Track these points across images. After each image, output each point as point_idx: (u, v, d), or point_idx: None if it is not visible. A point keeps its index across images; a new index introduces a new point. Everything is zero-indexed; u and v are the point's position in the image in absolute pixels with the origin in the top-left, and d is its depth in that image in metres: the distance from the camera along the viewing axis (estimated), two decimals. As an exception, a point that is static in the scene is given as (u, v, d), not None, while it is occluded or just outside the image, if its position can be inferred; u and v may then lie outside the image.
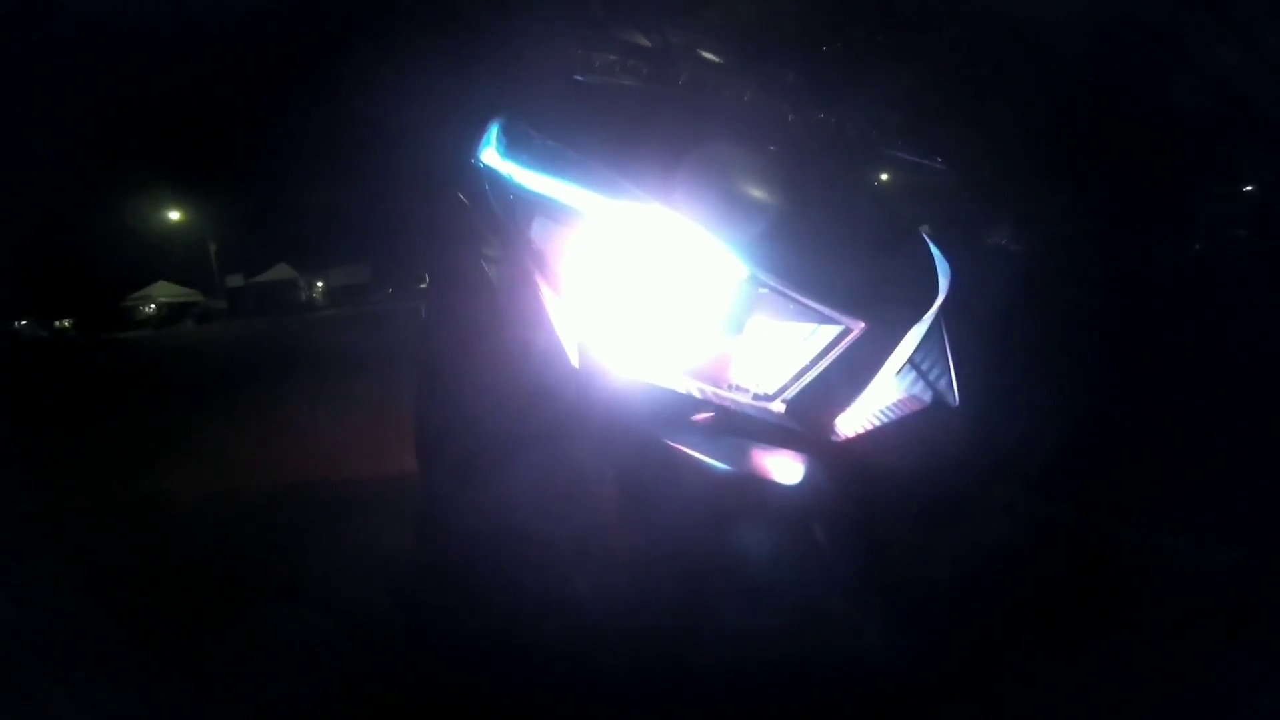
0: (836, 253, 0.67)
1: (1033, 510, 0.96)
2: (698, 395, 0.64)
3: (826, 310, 0.63)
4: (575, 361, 0.65)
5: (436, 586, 1.08)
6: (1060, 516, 0.99)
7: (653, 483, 0.69)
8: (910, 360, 0.78)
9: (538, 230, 0.70)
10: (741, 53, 1.15)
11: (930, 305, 0.70)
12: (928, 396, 0.76)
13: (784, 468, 0.69)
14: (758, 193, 0.70)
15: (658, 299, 0.67)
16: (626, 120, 0.77)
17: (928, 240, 0.82)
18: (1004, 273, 1.13)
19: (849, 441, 0.67)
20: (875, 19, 1.29)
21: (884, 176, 0.92)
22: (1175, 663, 0.93)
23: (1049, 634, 0.95)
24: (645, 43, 1.06)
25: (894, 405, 0.74)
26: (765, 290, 0.63)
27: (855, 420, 0.68)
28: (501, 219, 0.71)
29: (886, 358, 0.65)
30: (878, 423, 0.71)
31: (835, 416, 0.65)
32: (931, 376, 0.80)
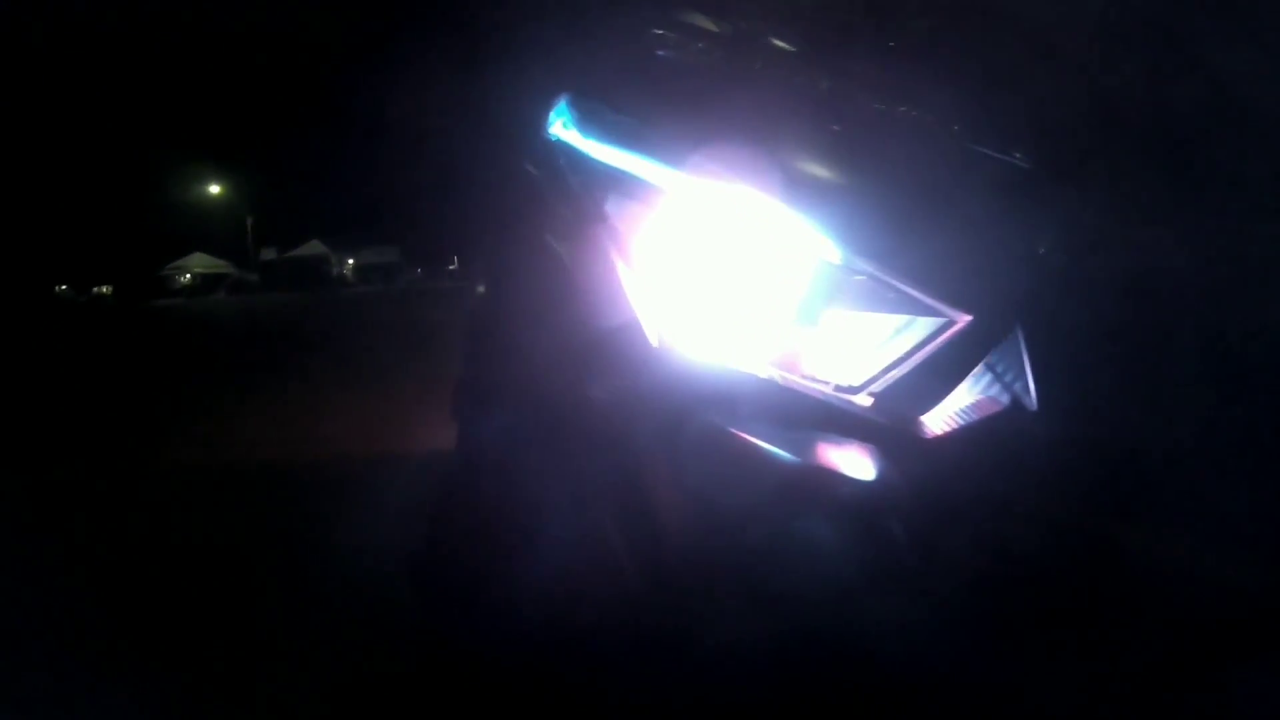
0: (941, 240, 0.63)
1: (1105, 527, 0.92)
2: (780, 382, 0.61)
3: (929, 300, 0.59)
4: (654, 340, 0.62)
5: (465, 569, 1.06)
6: (1133, 538, 0.94)
7: (718, 472, 0.66)
8: (989, 362, 0.74)
9: (614, 206, 0.67)
10: (814, 42, 1.12)
11: (1040, 301, 0.66)
12: (1005, 399, 0.72)
13: (857, 463, 0.66)
14: (850, 176, 0.66)
15: (741, 281, 0.64)
16: (707, 98, 0.74)
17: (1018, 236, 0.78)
18: (1092, 271, 1.09)
19: (932, 440, 0.64)
20: (952, 11, 1.25)
21: (964, 170, 0.88)
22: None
23: (1106, 647, 0.92)
24: (715, 28, 1.03)
25: (972, 406, 0.70)
26: (861, 276, 0.60)
27: (941, 418, 0.65)
28: (576, 193, 0.69)
29: (987, 353, 0.61)
30: (959, 423, 0.67)
31: (924, 413, 0.62)
32: (1007, 378, 0.76)
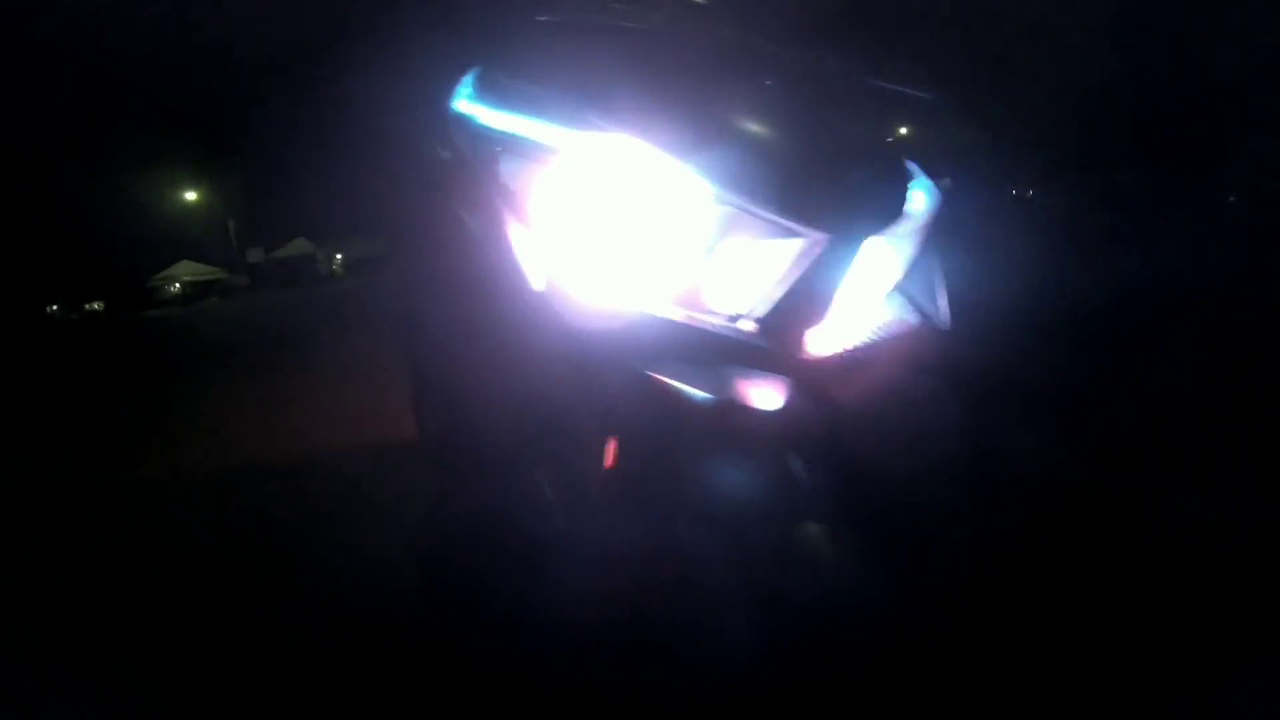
0: (799, 168, 0.67)
1: (1020, 439, 0.97)
2: (676, 320, 0.65)
3: (787, 223, 0.64)
4: (557, 295, 0.66)
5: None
6: (1049, 448, 0.99)
7: (633, 413, 0.71)
8: (900, 284, 0.79)
9: (507, 169, 0.71)
10: None
11: (898, 220, 0.70)
12: (915, 319, 0.76)
13: (764, 393, 0.71)
14: (723, 116, 0.70)
15: (626, 226, 0.68)
16: (592, 57, 0.78)
17: (907, 164, 0.82)
18: (1004, 204, 1.13)
19: (826, 360, 0.69)
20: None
21: (875, 112, 0.92)
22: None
23: (1037, 565, 0.97)
24: None
25: (880, 327, 0.75)
26: (729, 208, 0.64)
27: (833, 339, 0.70)
28: (479, 164, 0.72)
29: (848, 269, 0.65)
30: (861, 343, 0.72)
31: (806, 333, 0.66)
32: (920, 300, 0.81)
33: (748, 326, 0.67)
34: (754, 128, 0.69)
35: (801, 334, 0.67)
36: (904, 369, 0.80)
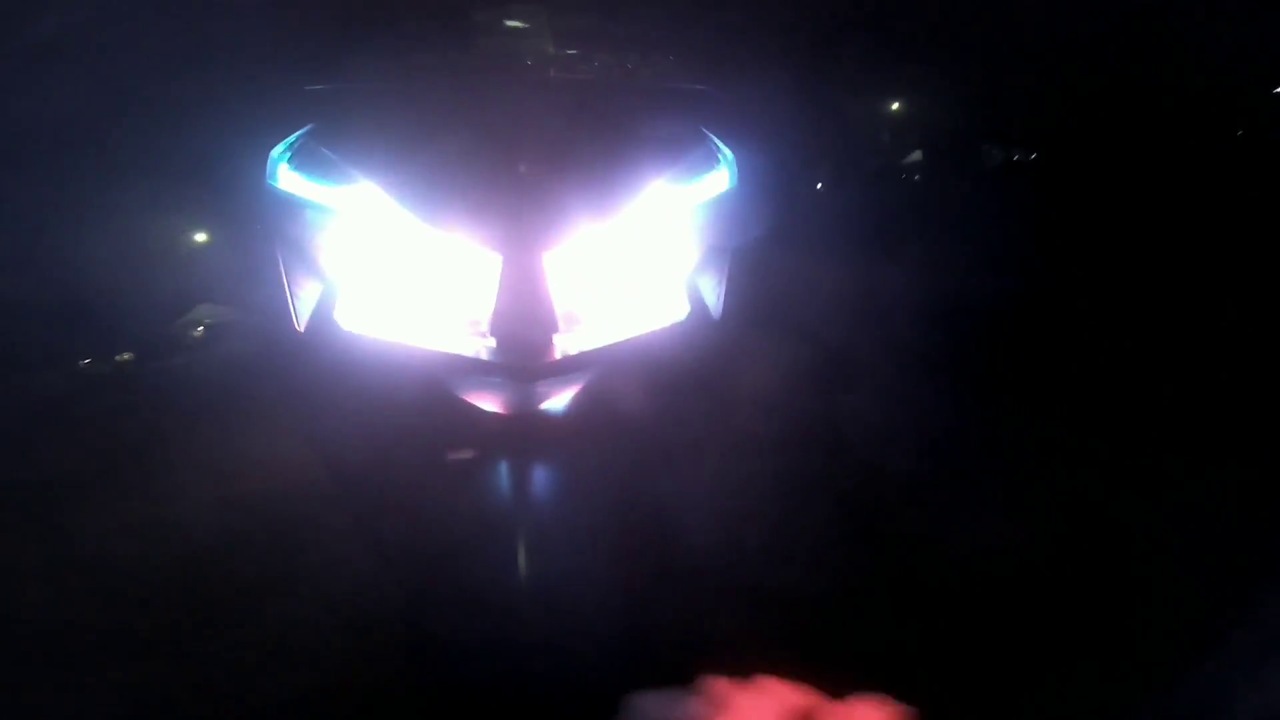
0: (481, 201, 0.74)
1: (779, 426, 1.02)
2: (430, 349, 0.74)
3: (474, 243, 0.72)
4: (301, 327, 0.75)
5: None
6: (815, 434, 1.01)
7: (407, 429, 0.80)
8: (689, 274, 0.86)
9: (305, 229, 0.81)
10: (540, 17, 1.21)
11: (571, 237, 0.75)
12: (686, 310, 0.85)
13: (507, 398, 0.80)
14: (434, 151, 0.77)
15: (377, 265, 0.77)
16: (358, 119, 0.86)
17: (711, 146, 0.88)
18: (793, 192, 1.20)
19: (566, 361, 0.77)
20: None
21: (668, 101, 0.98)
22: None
23: (827, 531, 1.00)
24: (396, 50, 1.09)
25: (654, 318, 0.83)
26: (435, 234, 0.72)
27: (574, 341, 0.78)
28: (280, 225, 0.81)
29: (539, 281, 0.73)
30: (618, 340, 0.81)
31: (538, 339, 0.75)
32: (699, 291, 0.89)
33: (488, 343, 0.76)
34: (458, 161, 0.76)
35: (532, 341, 0.75)
36: (667, 360, 0.88)
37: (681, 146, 0.92)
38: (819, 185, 1.44)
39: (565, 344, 0.78)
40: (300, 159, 0.77)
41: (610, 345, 0.81)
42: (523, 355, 0.76)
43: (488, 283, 0.75)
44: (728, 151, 0.98)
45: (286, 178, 0.76)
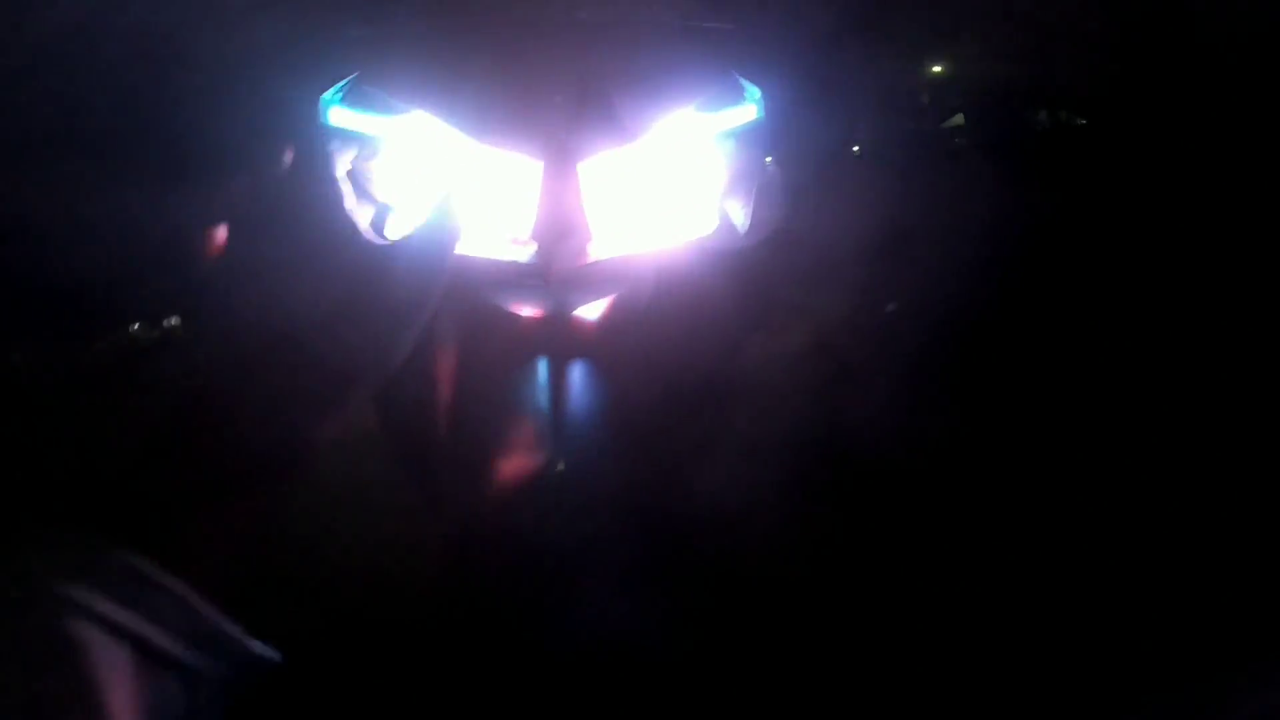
0: (527, 109, 0.80)
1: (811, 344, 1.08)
2: (477, 255, 0.82)
3: (517, 153, 0.79)
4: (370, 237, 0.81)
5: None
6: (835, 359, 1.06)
7: (468, 340, 0.89)
8: (720, 193, 0.94)
9: (357, 159, 0.87)
10: None
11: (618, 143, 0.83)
12: (713, 227, 0.92)
13: (545, 303, 0.89)
14: (477, 79, 0.82)
15: (427, 185, 0.84)
16: (403, 57, 0.91)
17: (738, 80, 0.94)
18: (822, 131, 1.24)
19: (603, 267, 0.85)
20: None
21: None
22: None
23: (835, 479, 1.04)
24: None
25: (684, 232, 0.91)
26: (481, 149, 0.79)
27: (611, 248, 0.86)
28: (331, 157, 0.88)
29: (575, 186, 0.80)
30: (662, 247, 0.88)
31: (576, 250, 0.83)
32: (726, 213, 0.96)
33: (529, 249, 0.83)
34: (498, 88, 0.81)
35: (569, 246, 0.82)
36: (696, 271, 0.95)
37: (709, 78, 0.99)
38: (855, 149, 1.47)
39: (600, 251, 0.87)
40: (351, 99, 0.85)
41: (642, 254, 0.89)
42: (560, 259, 0.84)
43: (529, 193, 0.84)
44: (754, 89, 1.04)
45: (339, 116, 0.84)
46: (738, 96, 0.99)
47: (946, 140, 1.57)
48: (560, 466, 0.83)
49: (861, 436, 1.06)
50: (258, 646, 0.42)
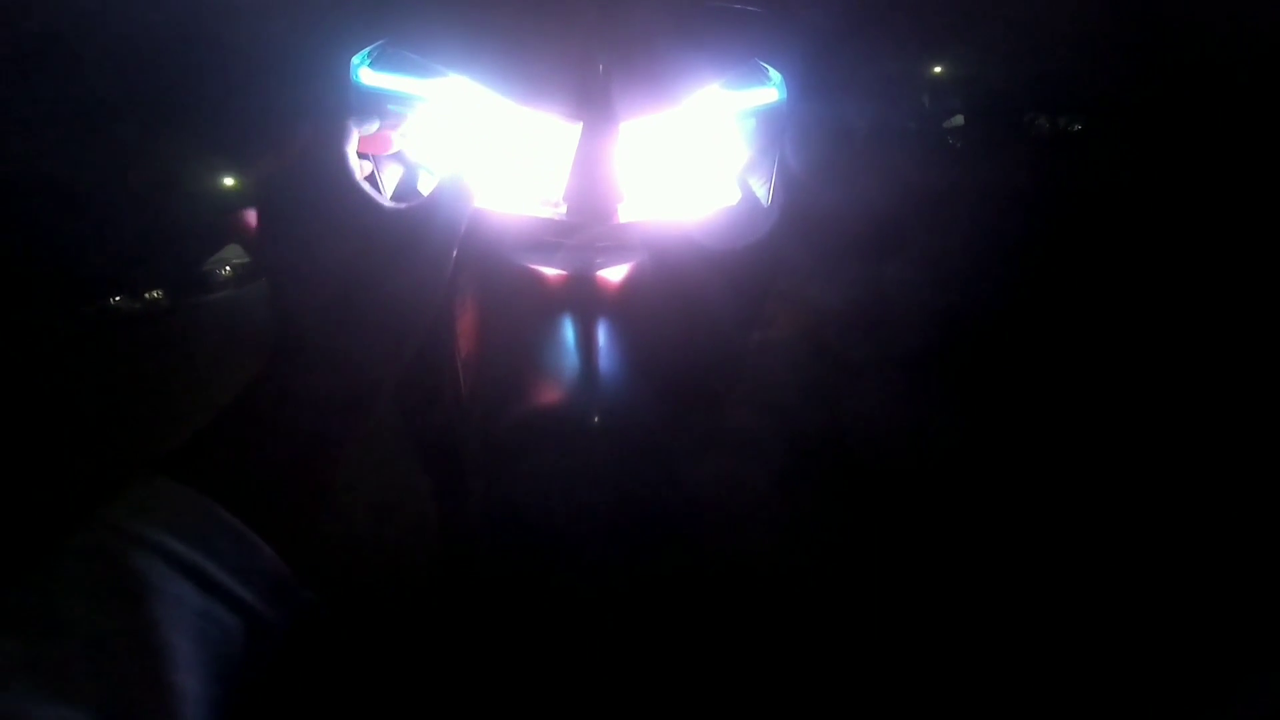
0: (567, 73, 0.80)
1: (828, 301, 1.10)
2: (506, 212, 0.82)
3: (549, 114, 0.78)
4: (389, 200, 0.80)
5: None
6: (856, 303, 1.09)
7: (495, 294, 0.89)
8: (741, 169, 0.94)
9: (386, 120, 0.86)
10: None
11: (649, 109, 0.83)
12: (737, 197, 0.92)
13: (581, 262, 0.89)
14: (515, 40, 0.82)
15: (458, 146, 0.84)
16: (437, 18, 0.90)
17: (759, 63, 0.95)
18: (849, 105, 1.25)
19: (634, 229, 0.85)
20: None
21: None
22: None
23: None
24: None
25: (705, 202, 0.91)
26: (519, 110, 0.79)
27: (644, 210, 0.86)
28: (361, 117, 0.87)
29: (602, 154, 0.80)
30: (678, 220, 0.88)
31: (606, 211, 0.82)
32: (751, 183, 0.96)
33: (560, 209, 0.83)
34: (536, 51, 0.81)
35: (601, 206, 0.82)
36: (720, 238, 0.96)
37: (735, 57, 0.99)
38: (862, 137, 1.48)
39: (629, 213, 0.87)
40: (382, 61, 0.83)
41: (670, 220, 0.89)
42: (592, 219, 0.83)
43: (564, 153, 0.83)
44: (776, 73, 1.05)
45: (370, 77, 0.82)
46: (761, 78, 1.00)
47: (946, 138, 1.58)
48: (596, 419, 0.82)
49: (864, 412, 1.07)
50: (310, 595, 0.42)
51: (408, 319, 0.49)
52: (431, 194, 0.56)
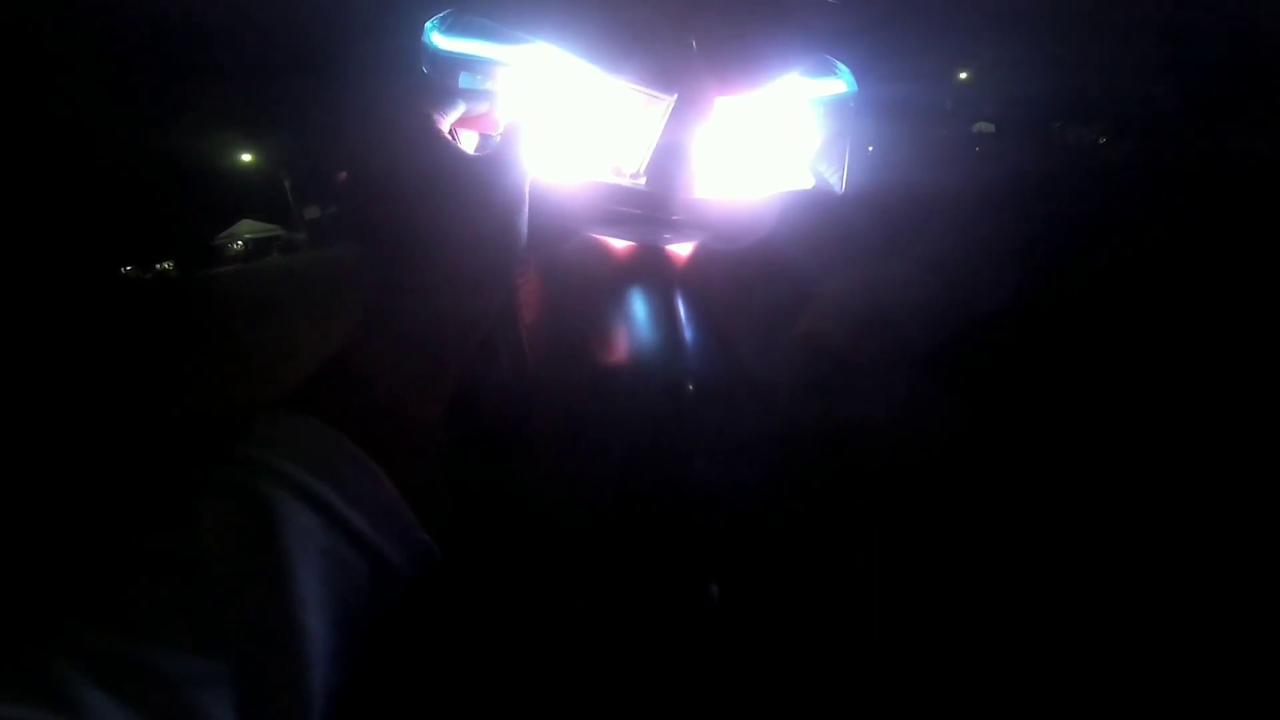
0: (662, 43, 0.81)
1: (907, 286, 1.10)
2: (589, 182, 0.83)
3: (641, 87, 0.79)
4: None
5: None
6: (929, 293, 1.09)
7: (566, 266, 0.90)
8: (813, 157, 0.96)
9: (463, 84, 0.88)
10: None
11: (749, 86, 0.85)
12: (811, 183, 0.93)
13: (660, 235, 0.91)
14: (608, 6, 0.83)
15: (546, 112, 0.85)
16: None
17: (827, 57, 0.97)
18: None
19: (714, 205, 0.86)
20: None
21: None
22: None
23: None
24: None
25: (775, 187, 0.92)
26: (607, 80, 0.80)
27: (721, 189, 0.87)
28: (437, 80, 0.89)
29: (694, 128, 0.81)
30: (757, 199, 0.90)
31: (688, 186, 0.83)
32: (824, 170, 0.98)
33: (639, 182, 0.84)
34: (625, 19, 0.83)
35: (685, 187, 0.83)
36: (795, 221, 0.98)
37: (811, 46, 1.01)
38: (869, 148, 1.49)
39: (705, 190, 0.89)
40: (459, 27, 0.86)
41: (744, 200, 0.91)
42: (673, 192, 0.85)
43: (649, 125, 0.85)
44: (843, 66, 1.07)
45: (445, 42, 0.84)
46: (831, 69, 1.02)
47: (974, 144, 1.60)
48: (690, 387, 0.83)
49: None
50: (428, 540, 0.41)
51: (496, 259, 0.49)
52: (501, 137, 0.58)
